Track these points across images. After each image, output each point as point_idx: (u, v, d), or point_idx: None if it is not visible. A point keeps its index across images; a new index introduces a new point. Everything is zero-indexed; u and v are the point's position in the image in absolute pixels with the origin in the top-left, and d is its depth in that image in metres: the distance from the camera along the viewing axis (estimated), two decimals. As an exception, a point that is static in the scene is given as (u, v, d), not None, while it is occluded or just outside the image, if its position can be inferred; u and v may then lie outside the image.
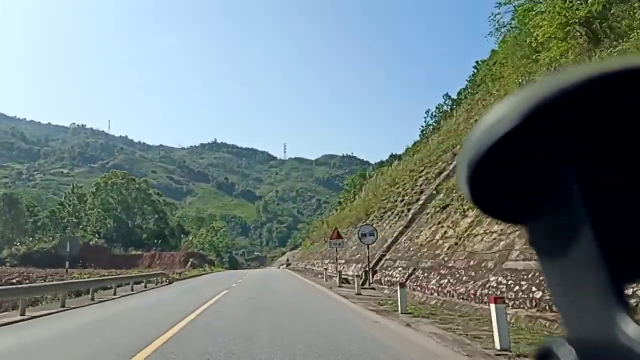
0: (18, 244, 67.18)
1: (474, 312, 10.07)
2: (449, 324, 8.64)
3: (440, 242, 15.22)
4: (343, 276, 21.78)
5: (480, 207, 0.46)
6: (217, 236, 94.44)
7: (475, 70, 46.76)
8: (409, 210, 22.14)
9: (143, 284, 25.11)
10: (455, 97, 49.22)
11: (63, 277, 21.43)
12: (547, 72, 15.77)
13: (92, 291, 17.46)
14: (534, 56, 18.86)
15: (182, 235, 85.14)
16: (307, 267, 45.25)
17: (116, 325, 10.17)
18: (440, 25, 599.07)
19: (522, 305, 8.56)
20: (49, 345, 7.84)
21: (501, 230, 11.46)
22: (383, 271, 19.12)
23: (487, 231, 12.22)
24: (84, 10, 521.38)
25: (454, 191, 17.01)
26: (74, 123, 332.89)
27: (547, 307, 7.88)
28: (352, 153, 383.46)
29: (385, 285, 17.68)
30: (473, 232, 13.13)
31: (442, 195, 18.57)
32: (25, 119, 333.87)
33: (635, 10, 13.51)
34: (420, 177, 25.38)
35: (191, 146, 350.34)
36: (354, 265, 24.06)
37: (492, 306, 6.18)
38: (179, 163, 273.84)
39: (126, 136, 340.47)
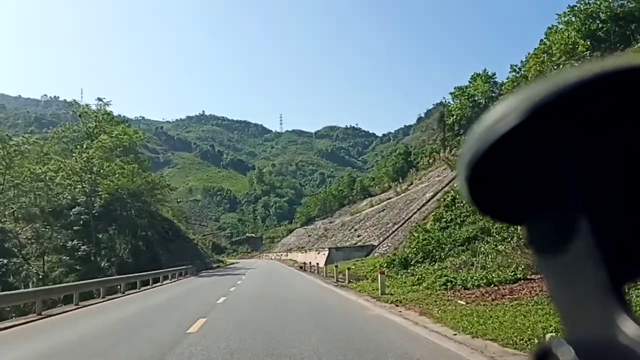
0: None
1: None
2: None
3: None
4: None
5: (479, 207, 0.45)
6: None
7: None
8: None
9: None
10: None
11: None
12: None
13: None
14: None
15: None
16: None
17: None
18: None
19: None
20: None
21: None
22: None
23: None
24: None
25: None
26: (45, 95, 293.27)
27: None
28: (357, 124, 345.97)
29: None
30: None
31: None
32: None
33: None
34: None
35: (177, 119, 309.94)
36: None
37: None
38: (156, 130, 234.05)
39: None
